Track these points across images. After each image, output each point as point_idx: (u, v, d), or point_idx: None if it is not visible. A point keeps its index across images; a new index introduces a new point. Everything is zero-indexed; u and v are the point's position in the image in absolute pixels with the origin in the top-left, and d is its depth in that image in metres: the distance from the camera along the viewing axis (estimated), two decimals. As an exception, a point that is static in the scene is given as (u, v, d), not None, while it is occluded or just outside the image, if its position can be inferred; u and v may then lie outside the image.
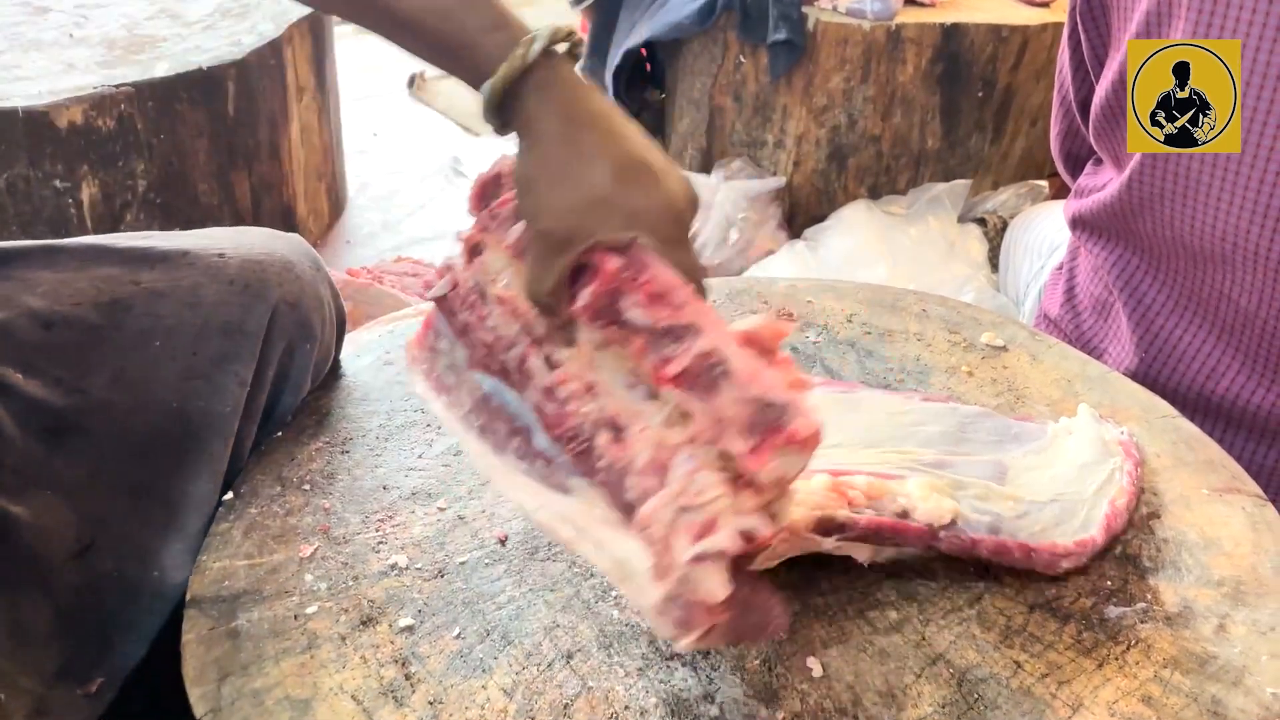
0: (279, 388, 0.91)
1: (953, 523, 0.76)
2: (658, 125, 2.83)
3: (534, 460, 0.65)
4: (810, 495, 0.75)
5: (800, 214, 2.44)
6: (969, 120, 2.34)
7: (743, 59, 2.34)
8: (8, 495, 0.72)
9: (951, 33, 2.21)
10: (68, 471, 0.76)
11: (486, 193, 0.72)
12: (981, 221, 2.32)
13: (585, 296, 0.63)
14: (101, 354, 0.80)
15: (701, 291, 0.66)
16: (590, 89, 0.66)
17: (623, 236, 0.62)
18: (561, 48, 0.65)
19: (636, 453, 0.60)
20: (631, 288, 0.61)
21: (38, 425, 0.76)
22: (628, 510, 0.60)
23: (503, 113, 0.66)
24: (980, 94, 2.30)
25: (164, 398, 0.81)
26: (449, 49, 0.67)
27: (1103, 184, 1.17)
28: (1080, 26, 1.15)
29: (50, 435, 0.76)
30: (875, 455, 0.84)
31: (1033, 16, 2.26)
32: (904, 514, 0.76)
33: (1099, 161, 1.24)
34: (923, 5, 2.29)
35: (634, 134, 0.66)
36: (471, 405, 0.71)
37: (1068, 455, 0.86)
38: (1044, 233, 1.66)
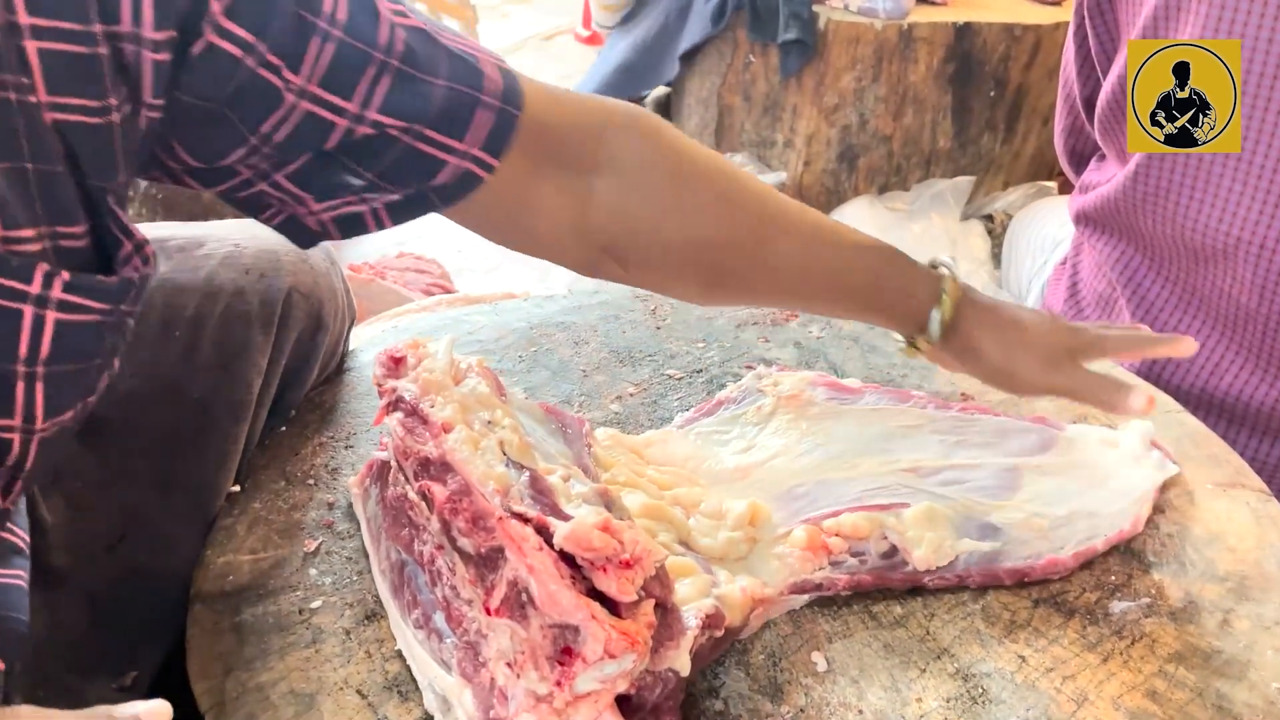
0: (288, 377, 0.91)
1: (950, 563, 0.76)
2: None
3: (430, 634, 0.68)
4: (787, 556, 0.76)
5: None
6: (980, 120, 2.33)
7: (752, 58, 2.33)
8: (42, 490, 0.72)
9: (964, 32, 2.19)
10: (98, 465, 0.76)
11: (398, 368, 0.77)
12: (989, 218, 2.31)
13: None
14: (126, 347, 0.80)
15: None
16: (970, 289, 0.81)
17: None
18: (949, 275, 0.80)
19: (494, 671, 0.62)
20: (454, 514, 0.65)
21: None
22: None
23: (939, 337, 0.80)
24: (992, 93, 2.28)
25: (186, 388, 0.82)
26: (883, 313, 0.81)
27: (1107, 179, 1.17)
28: (1088, 21, 1.14)
29: (79, 434, 0.76)
30: (876, 466, 0.84)
31: (1045, 15, 2.24)
32: (891, 551, 0.76)
33: (1103, 157, 1.23)
34: (935, 4, 2.27)
35: (1011, 306, 0.83)
36: (389, 565, 0.74)
37: (1096, 469, 0.85)
38: (1047, 229, 1.66)
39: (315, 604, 0.74)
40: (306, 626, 0.73)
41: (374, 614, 0.74)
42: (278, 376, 0.89)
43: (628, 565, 0.62)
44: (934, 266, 0.81)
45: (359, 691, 0.68)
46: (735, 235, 0.75)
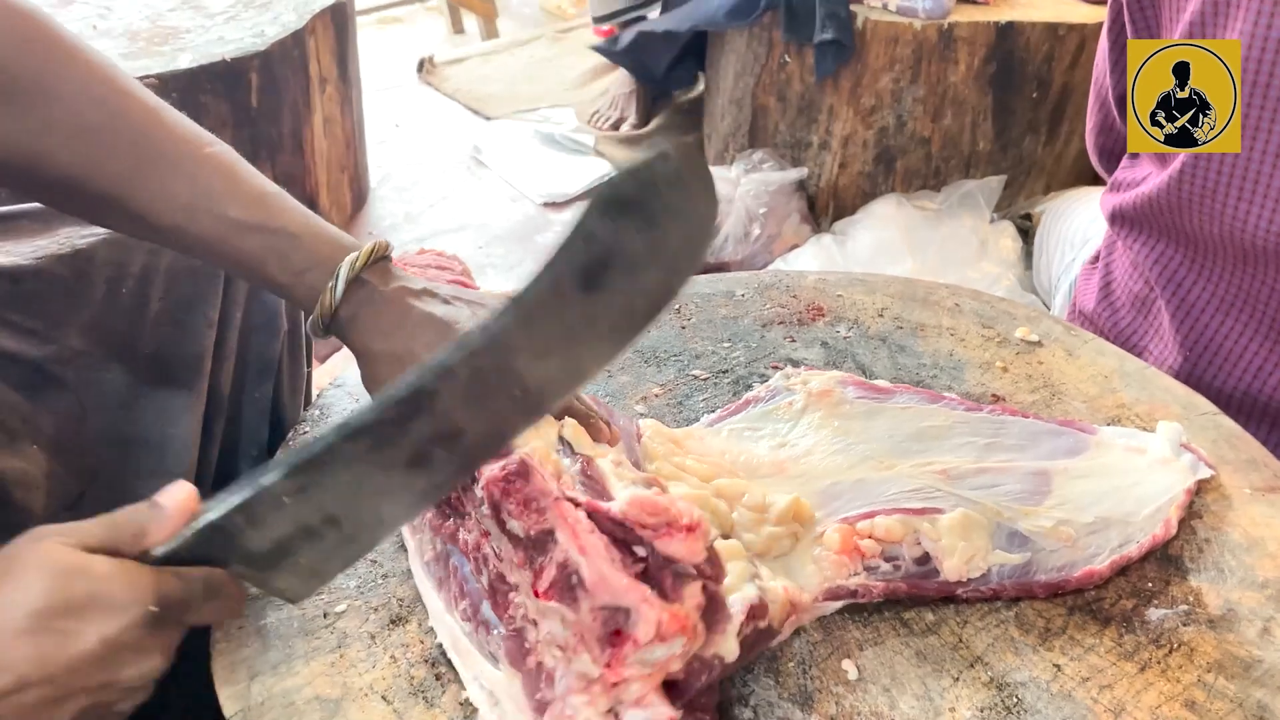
0: (252, 328, 0.91)
1: (984, 575, 0.75)
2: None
3: (477, 626, 0.67)
4: (821, 559, 0.75)
5: (845, 217, 2.36)
6: (1022, 121, 2.28)
7: (788, 58, 2.29)
8: None
9: (1006, 31, 2.14)
10: (52, 426, 0.76)
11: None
12: (1027, 217, 2.27)
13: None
14: (71, 304, 0.80)
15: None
16: (399, 292, 0.71)
17: None
18: (368, 272, 0.71)
19: (541, 657, 0.62)
20: (506, 496, 0.64)
21: (17, 378, 0.76)
22: (539, 709, 0.62)
23: (332, 332, 0.72)
24: (1034, 94, 2.23)
25: (136, 345, 0.82)
26: (276, 288, 0.72)
27: (1141, 178, 1.15)
28: (1127, 17, 1.12)
29: (31, 389, 0.76)
30: (910, 468, 0.83)
31: (1090, 14, 2.18)
32: (925, 558, 0.75)
33: (1135, 155, 1.21)
34: (976, 3, 2.22)
35: (436, 315, 0.71)
36: (433, 556, 0.74)
37: (1127, 473, 0.84)
38: (1077, 223, 1.63)
39: (340, 607, 0.74)
40: (331, 631, 0.72)
41: (399, 618, 0.73)
42: (235, 328, 0.89)
43: (690, 529, 0.61)
44: (374, 260, 0.72)
45: (384, 697, 0.67)
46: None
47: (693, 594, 0.61)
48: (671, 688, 0.61)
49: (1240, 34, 0.95)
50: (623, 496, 0.62)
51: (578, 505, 0.63)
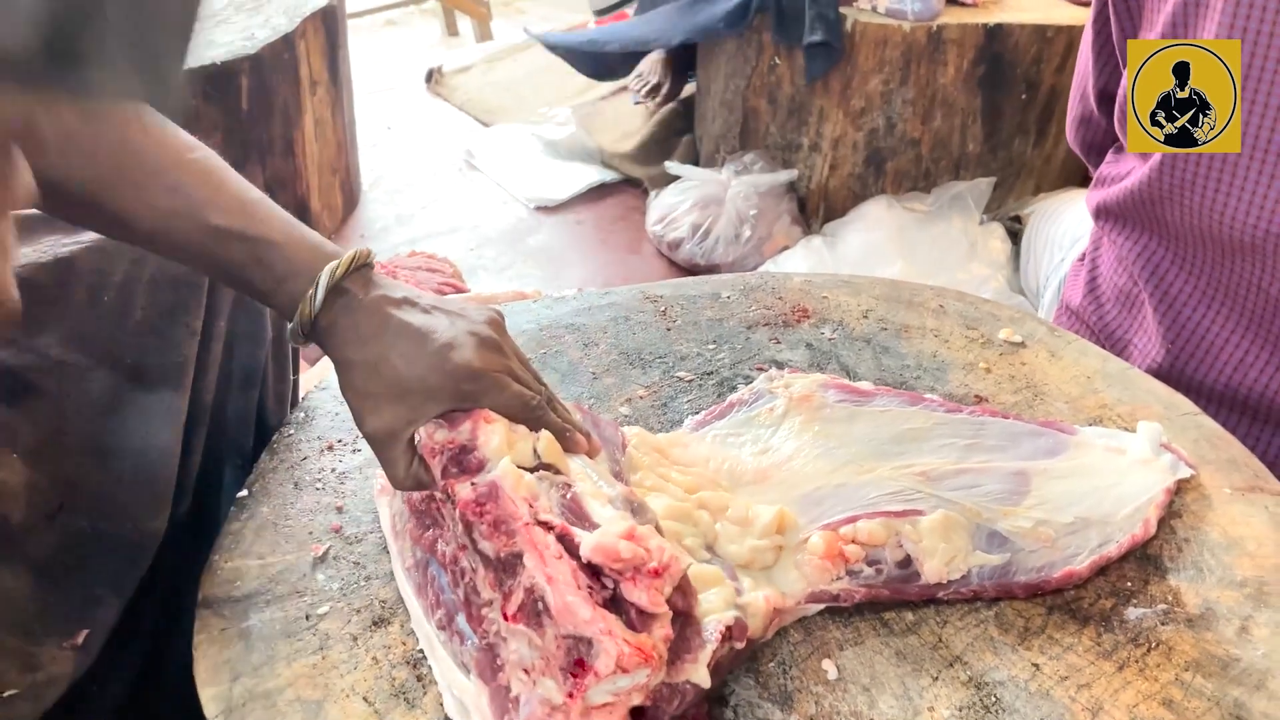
0: (233, 337, 0.92)
1: (964, 576, 0.75)
2: (687, 126, 2.80)
3: (451, 635, 0.68)
4: (804, 565, 0.75)
5: (836, 218, 2.38)
6: (1011, 123, 2.29)
7: (778, 60, 2.30)
8: None
9: (995, 33, 2.15)
10: (32, 435, 0.76)
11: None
12: (1016, 219, 2.28)
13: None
14: (53, 313, 0.80)
15: (549, 403, 0.73)
16: (378, 301, 0.72)
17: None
18: (349, 280, 0.71)
19: (510, 677, 0.62)
20: (478, 517, 0.64)
21: None
22: None
23: (312, 340, 0.73)
24: (1023, 96, 2.24)
25: (118, 354, 0.82)
26: (257, 295, 0.73)
27: (1125, 172, 1.16)
28: (1112, 11, 1.13)
29: (10, 397, 0.76)
30: (891, 470, 0.83)
31: (1077, 16, 2.19)
32: (906, 561, 0.75)
33: (1120, 149, 1.22)
34: (965, 5, 2.23)
35: (413, 325, 0.71)
36: (413, 563, 0.74)
37: (1106, 473, 0.84)
38: (1065, 225, 1.64)
39: (322, 609, 0.74)
40: (314, 633, 0.72)
41: (381, 619, 0.73)
42: (219, 338, 0.89)
43: (656, 574, 0.61)
44: (355, 268, 0.71)
45: (366, 699, 0.68)
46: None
47: (661, 624, 0.61)
48: (641, 713, 0.62)
49: (1219, 26, 0.96)
50: (588, 541, 0.62)
51: (550, 529, 0.63)
